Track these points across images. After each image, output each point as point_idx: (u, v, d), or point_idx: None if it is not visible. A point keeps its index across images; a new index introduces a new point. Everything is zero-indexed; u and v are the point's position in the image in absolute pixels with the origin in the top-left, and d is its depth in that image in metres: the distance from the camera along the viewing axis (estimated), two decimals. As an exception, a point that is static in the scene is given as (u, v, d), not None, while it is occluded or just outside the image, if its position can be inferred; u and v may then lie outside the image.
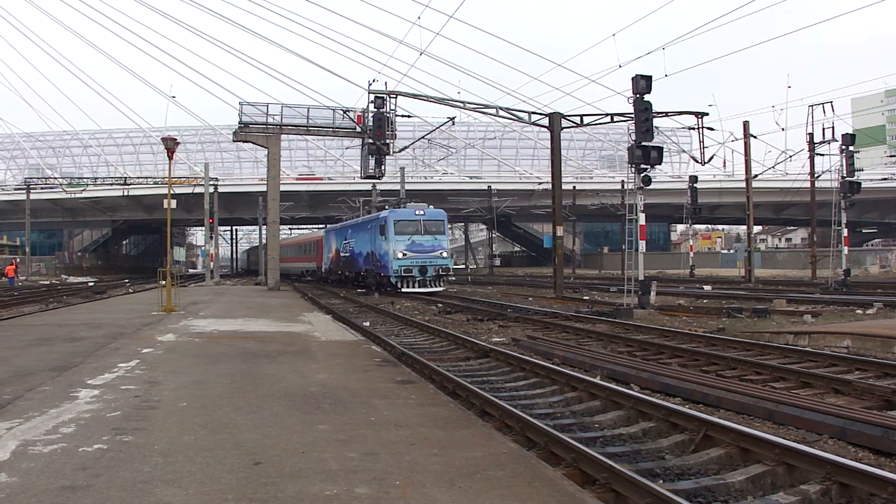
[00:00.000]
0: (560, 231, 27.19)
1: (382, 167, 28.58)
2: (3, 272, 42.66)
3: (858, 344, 11.01)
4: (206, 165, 49.53)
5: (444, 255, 28.09)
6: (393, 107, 27.25)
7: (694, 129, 26.49)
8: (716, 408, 7.21)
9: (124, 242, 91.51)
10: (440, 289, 27.60)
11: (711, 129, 26.80)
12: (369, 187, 50.10)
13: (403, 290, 26.77)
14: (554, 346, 11.68)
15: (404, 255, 26.94)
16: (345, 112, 30.64)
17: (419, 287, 26.90)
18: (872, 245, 67.51)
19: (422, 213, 28.23)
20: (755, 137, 36.09)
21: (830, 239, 31.96)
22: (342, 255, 36.29)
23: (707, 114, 26.44)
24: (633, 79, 19.74)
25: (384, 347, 11.48)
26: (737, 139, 38.65)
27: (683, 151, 69.42)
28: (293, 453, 4.58)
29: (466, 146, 74.02)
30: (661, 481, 4.84)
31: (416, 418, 5.70)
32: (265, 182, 38.21)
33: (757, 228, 77.22)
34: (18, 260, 50.55)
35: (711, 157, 28.72)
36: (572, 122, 27.76)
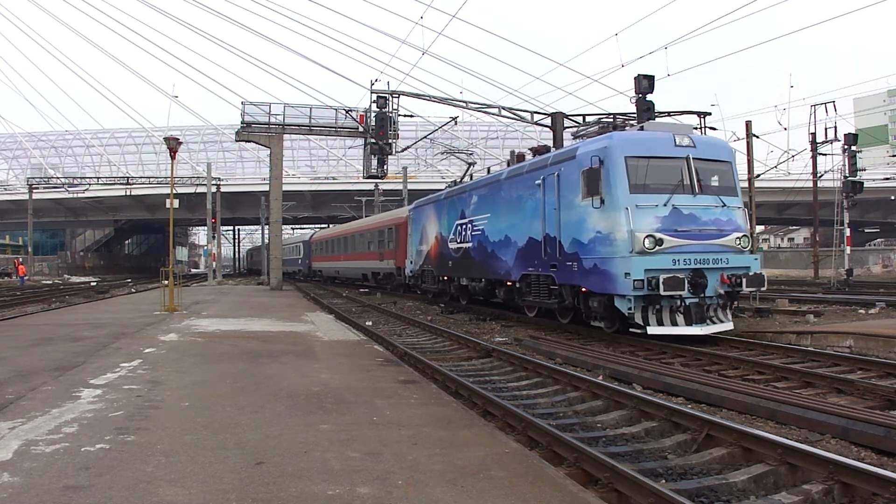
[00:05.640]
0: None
1: (385, 167, 28.56)
2: (14, 271, 44.07)
3: (861, 344, 10.99)
4: (208, 165, 49.69)
5: (741, 241, 12.04)
6: (395, 106, 27.25)
7: (696, 128, 26.50)
8: (718, 407, 7.21)
9: (127, 242, 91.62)
10: (728, 326, 11.97)
11: (714, 128, 26.80)
12: (372, 187, 50.25)
13: (651, 328, 11.31)
14: (556, 345, 11.68)
15: (656, 242, 11.23)
16: (347, 112, 30.64)
17: (690, 323, 11.39)
18: (875, 245, 67.36)
19: (688, 142, 12.15)
20: (757, 137, 35.90)
21: (833, 239, 31.95)
22: (453, 247, 19.76)
23: (710, 113, 26.43)
24: (635, 78, 19.74)
25: (386, 347, 11.48)
26: (739, 139, 38.47)
27: (686, 151, 69.30)
28: (295, 453, 4.59)
29: (469, 146, 74.01)
30: (664, 481, 4.84)
31: (419, 418, 5.70)
32: (268, 182, 38.22)
33: (759, 228, 77.13)
34: (20, 260, 50.69)
35: (714, 157, 28.64)
36: (575, 121, 27.75)
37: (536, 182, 14.30)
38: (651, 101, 19.37)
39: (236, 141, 35.21)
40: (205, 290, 32.17)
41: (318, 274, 48.47)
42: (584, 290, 12.45)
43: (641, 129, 12.96)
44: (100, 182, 54.94)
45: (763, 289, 12.43)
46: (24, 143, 79.27)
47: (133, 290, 35.54)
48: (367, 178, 30.71)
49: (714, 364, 9.80)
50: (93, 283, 42.91)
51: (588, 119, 28.05)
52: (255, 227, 76.49)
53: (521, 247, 15.08)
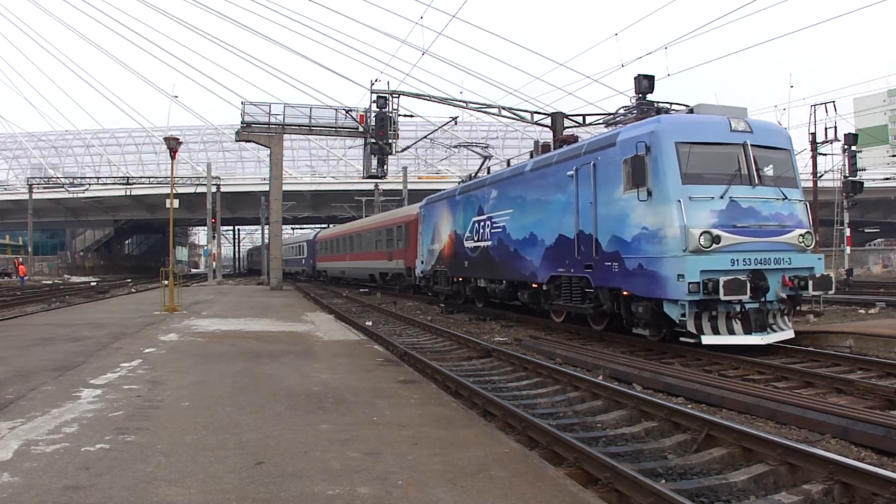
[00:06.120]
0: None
1: (385, 167, 28.59)
2: (15, 271, 44.59)
3: (861, 344, 10.98)
4: (208, 165, 49.70)
5: (804, 239, 10.86)
6: (395, 106, 27.27)
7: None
8: (718, 407, 7.22)
9: (127, 242, 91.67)
10: (790, 334, 10.79)
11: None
12: (372, 187, 50.26)
13: (705, 338, 10.08)
14: (556, 345, 11.69)
15: (713, 239, 10.02)
16: (347, 112, 30.65)
17: (749, 331, 10.20)
18: (875, 245, 67.38)
19: (744, 126, 11.01)
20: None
21: (833, 239, 31.94)
22: (469, 246, 18.45)
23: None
24: (635, 78, 19.75)
25: (386, 347, 11.48)
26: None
27: (686, 151, 69.24)
28: (295, 453, 4.59)
29: (469, 146, 74.01)
30: (664, 481, 4.84)
31: (419, 418, 5.70)
32: (267, 182, 38.19)
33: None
34: (21, 260, 50.74)
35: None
36: (575, 121, 27.75)
37: (568, 173, 12.90)
38: (651, 101, 19.36)
39: (236, 141, 35.21)
40: (205, 290, 32.17)
41: (322, 274, 46.92)
42: (625, 293, 11.24)
43: (690, 111, 11.58)
44: (100, 182, 54.97)
45: (830, 292, 11.17)
46: (24, 143, 79.27)
47: (133, 290, 35.54)
48: (367, 178, 30.72)
49: (714, 364, 9.80)
50: (93, 283, 42.93)
51: (588, 119, 28.08)
52: (255, 227, 76.52)
53: (549, 245, 13.74)
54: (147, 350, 9.86)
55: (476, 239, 17.92)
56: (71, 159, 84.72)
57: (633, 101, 19.79)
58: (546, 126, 27.94)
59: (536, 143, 17.64)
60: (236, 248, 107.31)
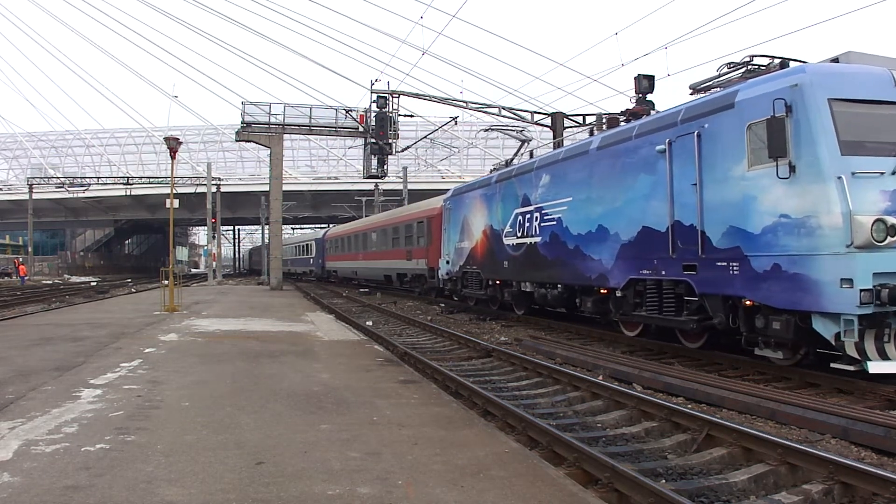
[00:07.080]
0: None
1: (385, 167, 28.62)
2: (15, 271, 45.16)
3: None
4: (208, 165, 49.68)
5: None
6: (395, 106, 27.32)
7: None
8: (718, 407, 7.22)
9: (127, 242, 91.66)
10: None
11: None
12: (372, 187, 50.28)
13: (874, 365, 7.28)
14: (556, 345, 11.69)
15: (887, 230, 7.28)
16: (347, 112, 30.64)
17: None
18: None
19: None
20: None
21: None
22: (510, 243, 15.91)
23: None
24: (635, 78, 19.64)
25: (387, 347, 11.49)
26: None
27: (686, 151, 69.07)
28: (296, 453, 4.59)
29: (469, 146, 73.98)
30: (664, 481, 4.84)
31: (419, 418, 5.70)
32: (267, 182, 38.20)
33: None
34: (21, 260, 50.77)
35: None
36: (575, 121, 27.76)
37: (657, 148, 10.30)
38: (651, 101, 19.32)
39: (236, 141, 35.20)
40: (205, 290, 32.18)
41: (332, 275, 43.99)
42: (748, 303, 8.66)
43: (834, 61, 8.69)
44: (100, 182, 54.97)
45: None
46: (24, 143, 79.22)
47: (133, 290, 35.52)
48: (368, 178, 30.76)
49: (714, 364, 9.79)
50: (93, 283, 42.92)
51: (588, 119, 28.07)
52: (255, 227, 76.52)
53: (626, 241, 11.12)
54: (147, 350, 9.86)
55: (519, 234, 15.30)
56: (71, 159, 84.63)
57: (633, 101, 19.74)
58: (546, 126, 27.96)
59: (599, 117, 13.95)
60: (236, 248, 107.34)
